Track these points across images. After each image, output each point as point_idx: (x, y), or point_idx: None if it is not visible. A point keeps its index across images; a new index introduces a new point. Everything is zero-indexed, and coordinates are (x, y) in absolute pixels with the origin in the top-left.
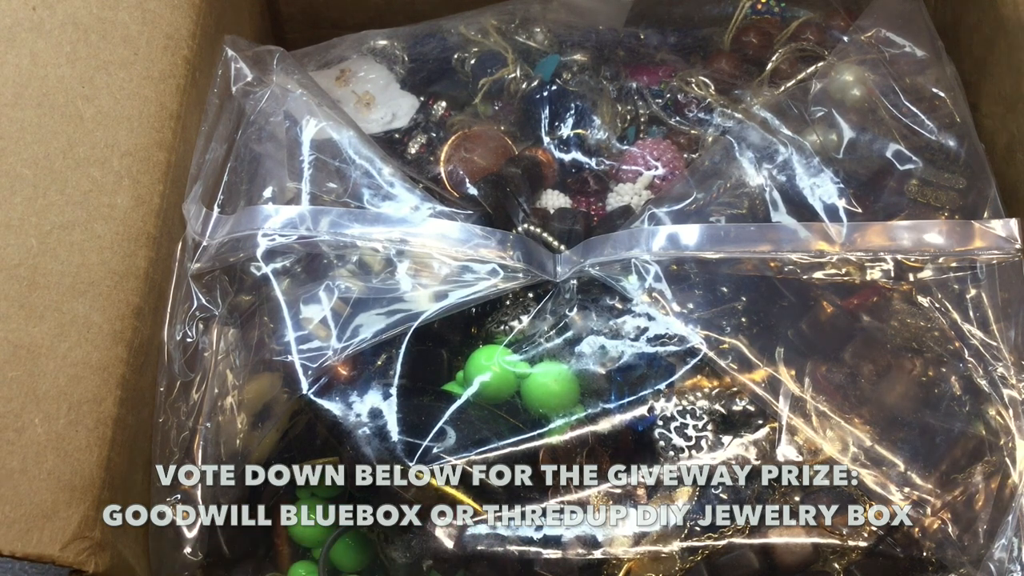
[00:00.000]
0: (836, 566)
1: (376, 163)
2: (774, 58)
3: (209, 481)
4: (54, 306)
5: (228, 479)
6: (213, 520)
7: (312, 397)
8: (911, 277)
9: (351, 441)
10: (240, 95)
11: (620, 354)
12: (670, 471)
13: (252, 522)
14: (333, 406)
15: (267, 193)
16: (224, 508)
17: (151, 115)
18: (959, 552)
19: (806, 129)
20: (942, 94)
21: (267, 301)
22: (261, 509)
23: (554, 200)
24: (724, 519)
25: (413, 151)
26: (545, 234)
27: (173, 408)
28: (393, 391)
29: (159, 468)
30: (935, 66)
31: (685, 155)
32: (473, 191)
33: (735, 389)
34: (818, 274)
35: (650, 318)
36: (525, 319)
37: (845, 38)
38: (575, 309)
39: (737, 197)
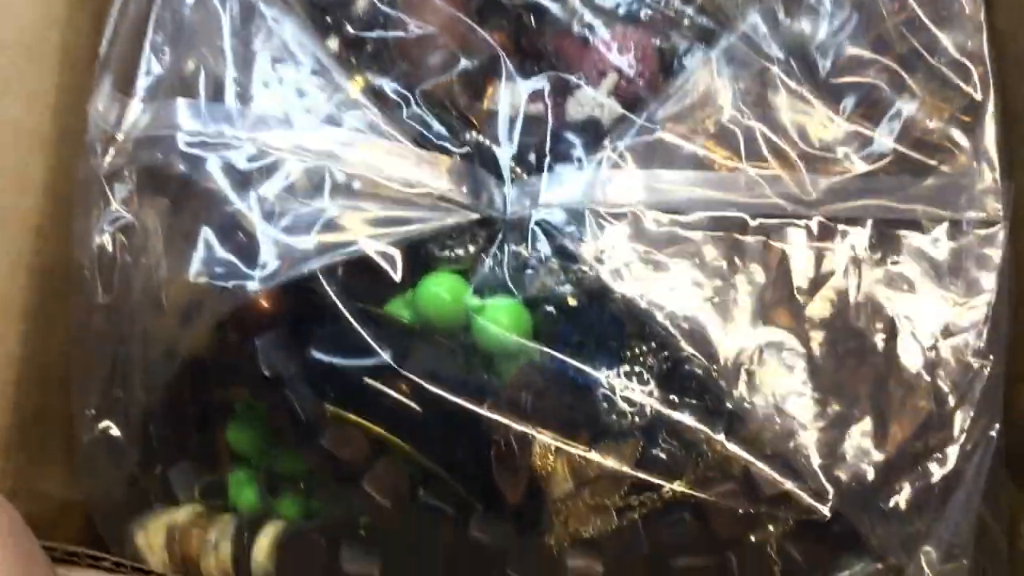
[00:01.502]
0: (771, 533)
1: (321, 62)
2: None
3: (134, 387)
4: None
5: (156, 380)
6: (144, 422)
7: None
8: (887, 242)
9: (275, 394)
10: None
11: (567, 300)
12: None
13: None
14: (258, 354)
15: (191, 79)
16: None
17: None
18: (894, 529)
19: (792, 27)
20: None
21: (190, 199)
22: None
23: (508, 97)
24: (664, 479)
25: (360, 8)
26: (494, 147)
27: (93, 325)
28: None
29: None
30: None
31: (658, 43)
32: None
33: (685, 354)
34: (786, 230)
35: (603, 271)
36: (472, 248)
37: None
38: (525, 247)
39: (712, 132)
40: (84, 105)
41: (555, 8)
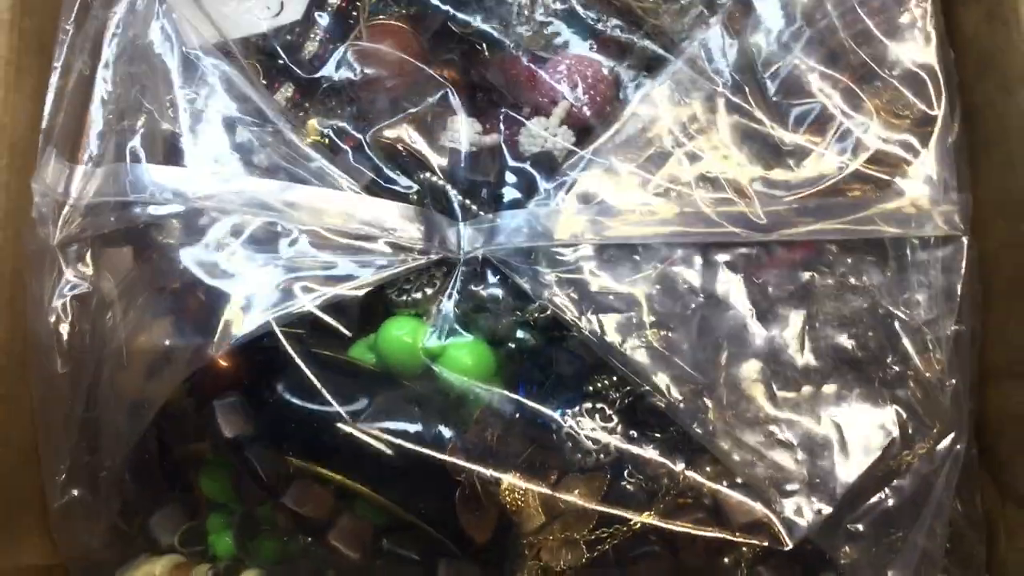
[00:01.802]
0: (742, 556)
1: (265, 112)
2: None
3: (106, 445)
4: None
5: (128, 434)
6: (121, 475)
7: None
8: (847, 259)
9: (238, 456)
10: (100, 8)
11: (528, 339)
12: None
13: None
14: (218, 419)
15: (138, 140)
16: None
17: None
18: (866, 553)
19: (741, 41)
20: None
21: (147, 263)
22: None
23: (463, 131)
24: (632, 512)
25: (309, 52)
26: (447, 186)
27: (56, 394)
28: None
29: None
30: None
31: (609, 67)
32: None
33: (645, 388)
34: (742, 258)
35: (559, 308)
36: (430, 290)
37: None
38: (480, 288)
39: (661, 164)
40: (26, 182)
41: (504, 37)
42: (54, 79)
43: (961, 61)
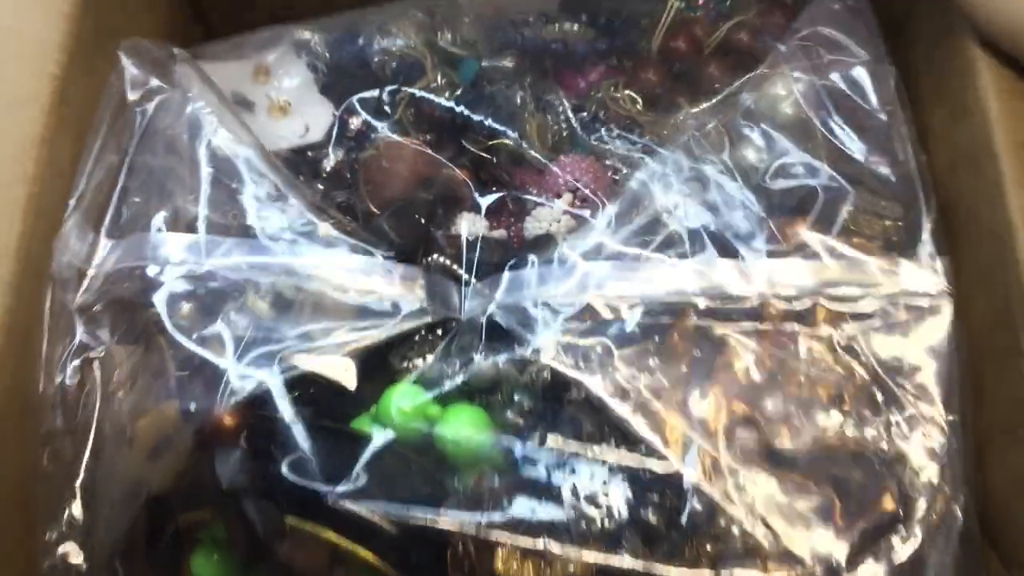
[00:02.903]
0: None
1: (280, 188)
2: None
3: (101, 521)
4: None
5: (123, 516)
6: (112, 560)
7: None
8: (833, 319)
9: (235, 507)
10: (138, 103)
11: (525, 401)
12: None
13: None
14: (218, 469)
15: (161, 217)
16: (122, 545)
17: (3, 147)
18: None
19: (732, 148)
20: (880, 109)
21: (161, 333)
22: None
23: (470, 224)
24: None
25: (328, 168)
26: (455, 266)
27: (56, 455)
28: (283, 439)
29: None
30: (875, 73)
31: (610, 174)
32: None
33: (644, 447)
34: (734, 315)
35: (557, 368)
36: (431, 357)
37: (780, 46)
38: (480, 352)
39: (656, 232)
40: (47, 249)
41: (514, 145)
42: (87, 161)
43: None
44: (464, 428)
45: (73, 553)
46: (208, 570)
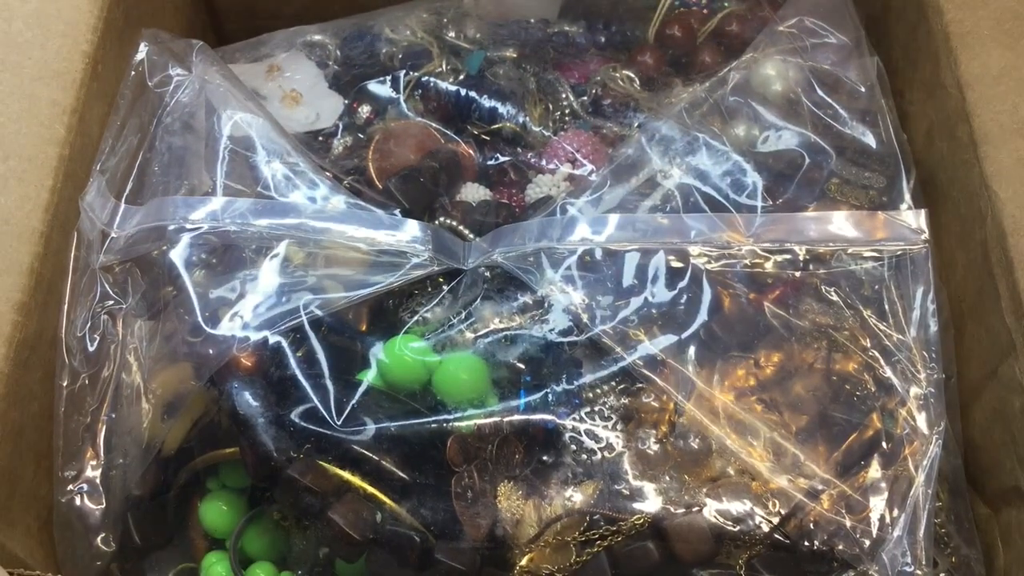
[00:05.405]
0: (739, 561)
1: (292, 155)
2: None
3: (115, 471)
4: None
5: (135, 469)
6: (124, 510)
7: (214, 388)
8: (819, 270)
9: (249, 431)
10: (157, 87)
11: (527, 347)
12: (577, 464)
13: (162, 512)
14: (235, 397)
15: (182, 186)
16: (133, 497)
17: (40, 112)
18: (853, 544)
19: (723, 123)
20: (861, 88)
21: (180, 292)
22: (171, 499)
23: (474, 193)
24: (626, 512)
25: (336, 152)
26: (460, 227)
27: (76, 401)
28: (296, 379)
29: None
30: (856, 58)
31: (609, 150)
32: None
33: (640, 385)
34: (726, 264)
35: (557, 310)
36: (439, 310)
37: (767, 30)
38: (481, 299)
39: (652, 189)
40: (75, 208)
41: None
42: (108, 138)
43: None
44: (462, 375)
45: (87, 492)
46: (216, 517)
